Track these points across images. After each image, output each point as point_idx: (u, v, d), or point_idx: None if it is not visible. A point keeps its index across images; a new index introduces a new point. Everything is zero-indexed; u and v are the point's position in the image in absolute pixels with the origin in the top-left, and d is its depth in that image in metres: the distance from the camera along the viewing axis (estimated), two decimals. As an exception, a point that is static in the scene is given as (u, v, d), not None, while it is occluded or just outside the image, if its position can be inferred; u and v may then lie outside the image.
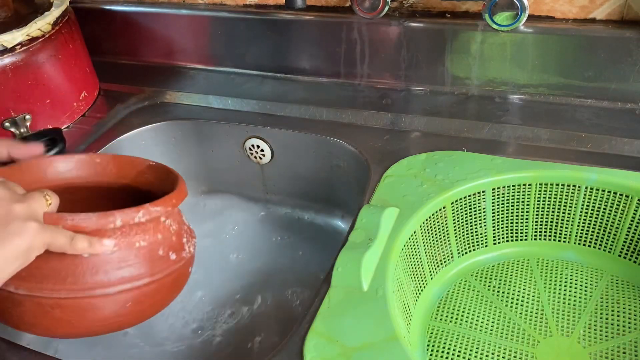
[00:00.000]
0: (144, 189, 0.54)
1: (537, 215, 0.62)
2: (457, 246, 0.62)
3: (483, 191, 0.61)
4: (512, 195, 0.61)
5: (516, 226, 0.63)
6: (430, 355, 0.54)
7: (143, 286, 0.46)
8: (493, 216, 0.62)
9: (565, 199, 0.61)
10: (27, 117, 0.74)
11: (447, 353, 0.54)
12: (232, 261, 0.79)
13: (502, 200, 0.61)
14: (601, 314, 0.56)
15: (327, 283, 0.52)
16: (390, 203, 0.59)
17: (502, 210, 0.62)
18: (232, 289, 0.75)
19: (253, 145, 0.79)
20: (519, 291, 0.59)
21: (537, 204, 0.61)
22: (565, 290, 0.59)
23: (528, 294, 0.59)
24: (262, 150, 0.78)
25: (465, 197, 0.60)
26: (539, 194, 0.61)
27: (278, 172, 0.80)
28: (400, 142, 0.69)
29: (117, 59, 0.94)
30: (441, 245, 0.61)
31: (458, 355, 0.54)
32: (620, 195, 0.58)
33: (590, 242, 0.61)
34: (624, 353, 0.52)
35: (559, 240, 0.62)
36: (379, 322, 0.47)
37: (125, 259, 0.45)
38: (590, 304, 0.57)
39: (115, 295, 0.44)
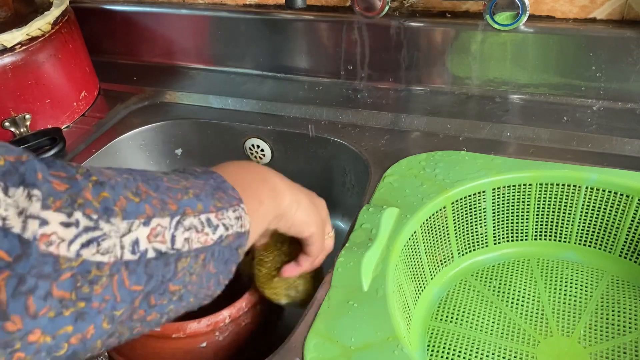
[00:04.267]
0: None
1: (537, 215, 0.62)
2: (458, 246, 0.62)
3: (483, 191, 0.60)
4: (513, 195, 0.61)
5: (516, 226, 0.63)
6: (431, 355, 0.54)
7: None
8: (493, 216, 0.62)
9: (565, 199, 0.60)
10: (27, 116, 0.74)
11: (448, 353, 0.54)
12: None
13: (503, 200, 0.61)
14: (602, 314, 0.56)
15: (327, 283, 0.51)
16: (390, 203, 0.58)
17: (503, 210, 0.62)
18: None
19: (253, 145, 0.78)
20: (519, 291, 0.59)
21: (538, 204, 0.61)
22: (565, 290, 0.59)
23: (528, 294, 0.59)
24: (262, 150, 0.78)
25: (465, 197, 0.60)
26: (539, 194, 0.61)
27: (278, 172, 0.80)
28: (400, 142, 0.69)
29: (117, 59, 0.94)
30: (441, 245, 0.61)
31: (458, 356, 0.54)
32: (621, 195, 0.58)
33: (590, 242, 0.61)
34: (625, 353, 0.52)
35: (560, 241, 0.62)
36: (379, 322, 0.47)
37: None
38: (591, 304, 0.57)
39: None
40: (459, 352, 0.54)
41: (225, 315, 0.50)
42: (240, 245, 0.37)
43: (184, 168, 0.39)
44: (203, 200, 0.35)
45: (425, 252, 0.59)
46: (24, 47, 0.71)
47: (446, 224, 0.60)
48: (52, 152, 0.73)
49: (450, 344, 0.55)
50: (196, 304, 0.36)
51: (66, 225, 0.27)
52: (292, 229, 0.47)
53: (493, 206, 0.61)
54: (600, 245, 0.61)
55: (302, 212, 0.46)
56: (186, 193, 0.34)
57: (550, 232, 0.62)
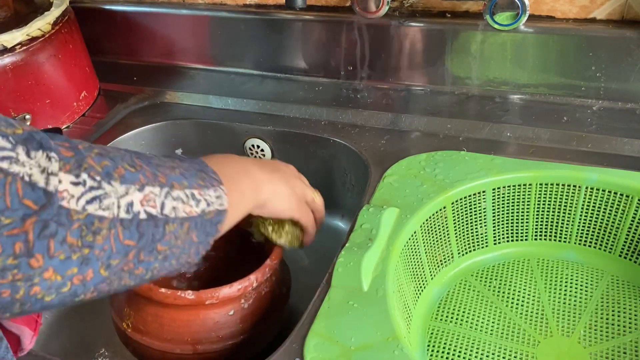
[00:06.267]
0: None
1: (537, 215, 0.62)
2: (458, 246, 0.62)
3: (483, 191, 0.60)
4: (513, 195, 0.61)
5: (516, 226, 0.63)
6: (431, 355, 0.54)
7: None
8: (493, 216, 0.62)
9: (565, 199, 0.60)
10: (27, 117, 0.74)
11: (448, 353, 0.54)
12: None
13: (503, 200, 0.61)
14: (601, 314, 0.56)
15: (327, 283, 0.51)
16: (390, 203, 0.58)
17: (503, 210, 0.62)
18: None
19: (253, 145, 0.78)
20: (519, 291, 0.59)
21: (538, 204, 0.61)
22: (565, 290, 0.59)
23: (528, 294, 0.59)
24: (262, 150, 0.78)
25: (465, 197, 0.60)
26: (539, 194, 0.61)
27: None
28: (400, 142, 0.69)
29: (117, 59, 0.94)
30: (441, 245, 0.61)
31: (458, 356, 0.54)
32: (621, 195, 0.58)
33: (590, 242, 0.61)
34: (625, 353, 0.52)
35: (559, 241, 0.62)
36: (379, 322, 0.47)
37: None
38: (591, 304, 0.57)
39: None
40: (459, 352, 0.54)
41: (252, 279, 0.53)
42: (219, 222, 0.42)
43: (170, 155, 0.44)
44: (188, 179, 0.40)
45: (425, 252, 0.59)
46: (24, 48, 0.71)
47: (446, 224, 0.60)
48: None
49: (450, 344, 0.55)
50: (177, 267, 0.40)
51: (75, 184, 0.32)
52: (273, 215, 0.53)
53: (493, 206, 0.61)
54: (600, 245, 0.61)
55: (279, 201, 0.52)
56: (173, 171, 0.40)
57: (550, 232, 0.62)
